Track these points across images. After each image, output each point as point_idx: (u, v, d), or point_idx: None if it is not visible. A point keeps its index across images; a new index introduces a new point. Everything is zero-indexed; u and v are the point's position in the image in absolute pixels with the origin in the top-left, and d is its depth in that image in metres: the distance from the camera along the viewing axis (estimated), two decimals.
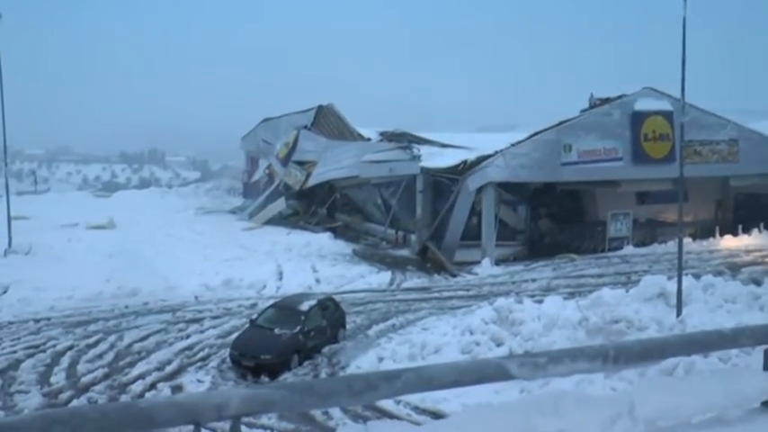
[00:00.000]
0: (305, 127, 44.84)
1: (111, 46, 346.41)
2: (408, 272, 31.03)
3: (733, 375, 5.69)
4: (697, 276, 21.65)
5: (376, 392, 3.98)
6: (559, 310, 20.09)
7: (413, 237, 35.32)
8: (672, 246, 29.18)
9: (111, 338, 21.50)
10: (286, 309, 21.08)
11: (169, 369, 19.25)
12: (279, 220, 41.38)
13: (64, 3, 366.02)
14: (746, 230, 36.34)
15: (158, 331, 22.24)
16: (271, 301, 23.15)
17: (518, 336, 19.17)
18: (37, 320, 23.19)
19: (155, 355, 20.10)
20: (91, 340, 21.35)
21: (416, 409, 16.05)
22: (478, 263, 31.35)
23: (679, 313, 19.14)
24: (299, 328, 20.01)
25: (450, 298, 26.60)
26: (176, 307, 24.86)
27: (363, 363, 19.57)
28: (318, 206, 43.28)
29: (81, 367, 19.28)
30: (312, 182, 41.78)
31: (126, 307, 24.71)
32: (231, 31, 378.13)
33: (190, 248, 33.15)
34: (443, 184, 33.98)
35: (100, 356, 20.13)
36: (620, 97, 35.32)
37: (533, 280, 29.01)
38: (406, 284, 29.16)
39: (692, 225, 34.64)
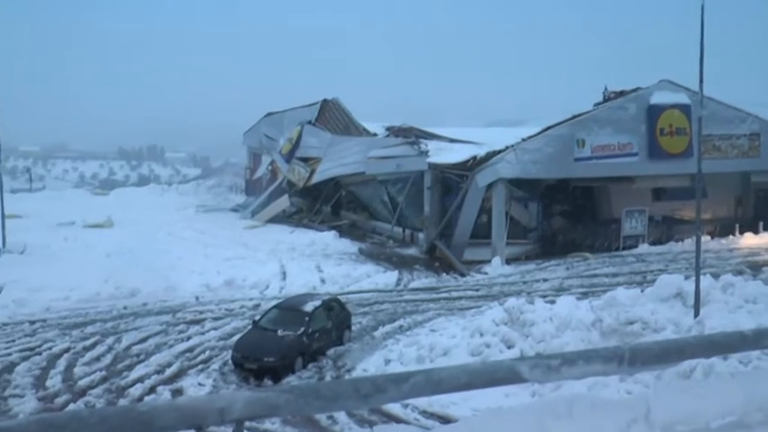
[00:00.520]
0: (309, 122, 44.64)
1: (107, 39, 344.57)
2: (416, 271, 30.90)
3: (754, 378, 5.39)
4: (716, 276, 21.34)
5: (384, 395, 4.01)
6: (572, 310, 19.86)
7: (420, 235, 35.19)
8: (689, 244, 29.42)
9: (109, 340, 21.37)
10: (290, 310, 20.93)
11: (169, 372, 19.15)
12: (282, 219, 41.37)
13: None
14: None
15: (158, 333, 22.13)
16: (274, 302, 23.03)
17: (529, 337, 18.95)
18: (32, 322, 23.00)
19: (154, 358, 19.98)
20: (88, 342, 21.19)
21: (424, 413, 16.02)
22: (488, 262, 31.16)
23: (697, 314, 18.80)
24: (303, 329, 19.84)
25: (460, 298, 26.58)
26: (176, 308, 24.73)
27: (370, 365, 19.48)
28: (323, 204, 43.30)
29: (78, 370, 19.13)
30: (316, 179, 41.52)
31: (124, 308, 24.57)
32: (232, 23, 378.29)
33: (190, 247, 33.01)
34: (452, 180, 33.94)
35: (97, 359, 19.98)
36: (635, 90, 34.93)
37: (545, 279, 28.99)
38: (413, 284, 29.05)
39: (710, 222, 34.40)
